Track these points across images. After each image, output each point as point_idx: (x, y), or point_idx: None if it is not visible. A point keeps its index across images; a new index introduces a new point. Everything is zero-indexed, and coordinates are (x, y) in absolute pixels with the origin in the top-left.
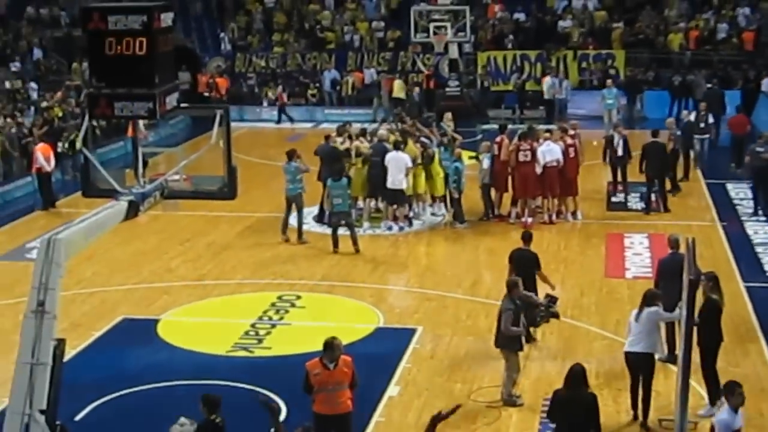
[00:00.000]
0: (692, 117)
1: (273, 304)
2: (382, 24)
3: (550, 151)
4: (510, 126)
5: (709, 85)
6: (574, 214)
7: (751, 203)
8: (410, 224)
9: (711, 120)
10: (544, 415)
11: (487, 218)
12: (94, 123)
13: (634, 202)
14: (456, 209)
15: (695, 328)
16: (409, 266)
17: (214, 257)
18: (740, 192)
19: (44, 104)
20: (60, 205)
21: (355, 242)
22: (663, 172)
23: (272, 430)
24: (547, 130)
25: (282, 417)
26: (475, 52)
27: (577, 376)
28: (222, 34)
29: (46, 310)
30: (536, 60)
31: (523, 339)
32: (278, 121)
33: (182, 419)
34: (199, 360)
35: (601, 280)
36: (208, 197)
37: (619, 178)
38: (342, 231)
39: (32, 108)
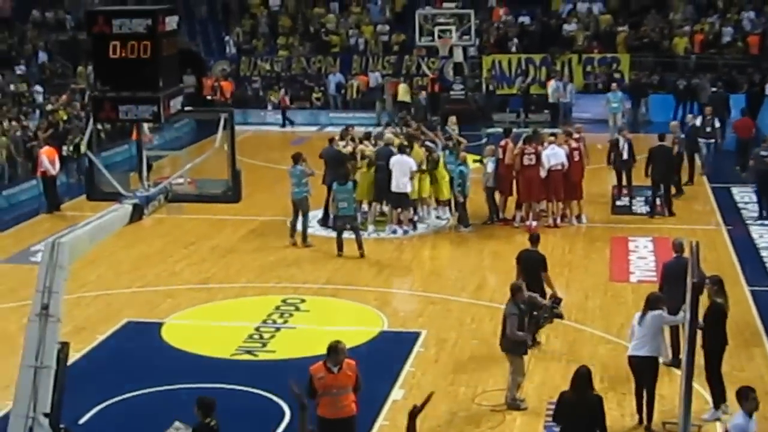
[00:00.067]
0: (698, 121)
1: (277, 308)
2: (387, 27)
3: (554, 155)
4: (515, 129)
5: (714, 89)
6: (578, 217)
7: (756, 207)
8: (415, 228)
9: (716, 124)
10: (548, 418)
11: (492, 222)
12: (99, 126)
13: (639, 205)
14: (461, 213)
15: (700, 332)
16: (414, 270)
17: (218, 260)
18: (745, 196)
19: (49, 107)
20: (65, 209)
21: (359, 246)
22: (669, 177)
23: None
24: (552, 134)
25: (285, 421)
26: (480, 55)
27: (583, 378)
28: (227, 38)
29: (50, 314)
30: (541, 63)
31: (529, 342)
32: (283, 125)
33: (177, 423)
34: (204, 363)
35: (605, 283)
36: (213, 200)
37: (624, 182)
38: (347, 234)
39: (37, 111)
